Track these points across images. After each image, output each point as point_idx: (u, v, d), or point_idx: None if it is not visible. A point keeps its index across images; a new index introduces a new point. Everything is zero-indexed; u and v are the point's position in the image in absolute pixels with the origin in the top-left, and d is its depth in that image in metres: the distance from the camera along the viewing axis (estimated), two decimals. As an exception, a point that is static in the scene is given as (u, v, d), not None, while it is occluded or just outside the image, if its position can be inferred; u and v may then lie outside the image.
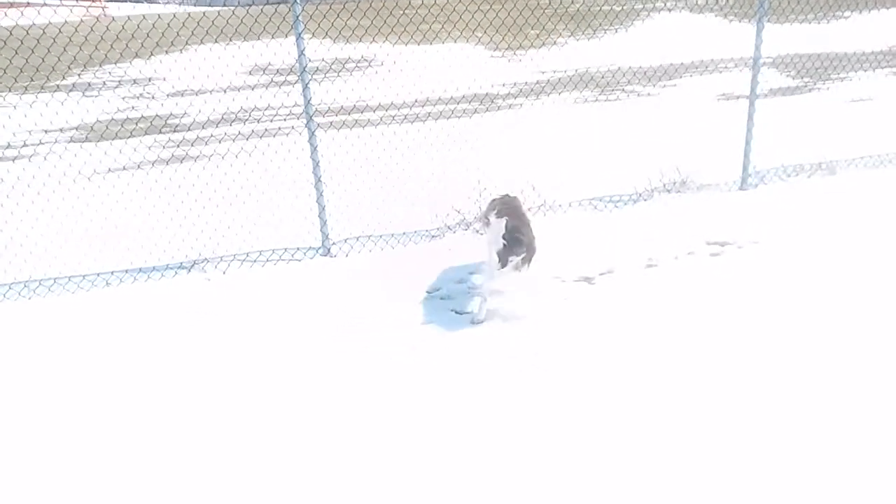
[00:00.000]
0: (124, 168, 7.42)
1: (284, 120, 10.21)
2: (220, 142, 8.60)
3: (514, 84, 12.68)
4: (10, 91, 11.28)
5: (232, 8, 6.72)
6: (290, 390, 3.25)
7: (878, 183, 5.78)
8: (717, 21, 16.70)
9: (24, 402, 3.29)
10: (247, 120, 10.10)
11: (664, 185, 5.85)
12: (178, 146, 8.29)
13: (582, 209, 5.57)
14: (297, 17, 4.51)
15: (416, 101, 10.86)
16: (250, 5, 6.76)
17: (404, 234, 5.19)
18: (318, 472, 2.72)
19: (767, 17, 5.67)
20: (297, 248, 4.96)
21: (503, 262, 3.75)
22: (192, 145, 8.42)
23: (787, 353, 3.35)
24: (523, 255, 3.79)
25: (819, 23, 15.88)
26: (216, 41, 10.11)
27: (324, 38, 15.98)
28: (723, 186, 5.92)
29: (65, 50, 6.52)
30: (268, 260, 4.77)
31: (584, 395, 3.10)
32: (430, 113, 9.88)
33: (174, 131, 9.16)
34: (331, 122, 9.49)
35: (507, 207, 4.07)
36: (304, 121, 4.93)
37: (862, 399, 2.99)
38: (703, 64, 13.69)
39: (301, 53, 4.59)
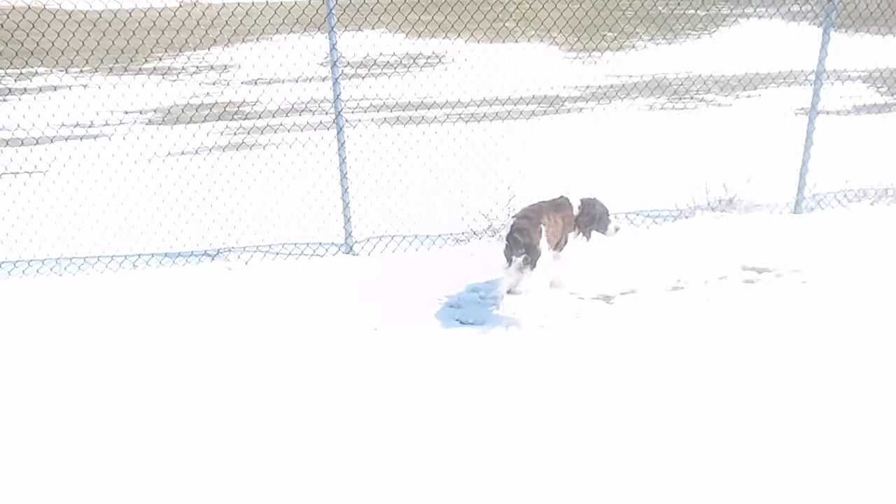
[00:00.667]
0: (196, 152, 7.77)
1: (352, 112, 10.41)
2: (288, 131, 8.87)
3: (585, 87, 12.44)
4: (96, 72, 11.97)
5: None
6: (283, 383, 3.33)
7: None
8: (811, 30, 15.76)
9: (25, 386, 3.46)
10: (315, 111, 10.35)
11: (709, 203, 5.60)
12: (247, 133, 8.61)
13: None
14: (331, 10, 4.56)
15: (480, 100, 10.83)
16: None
17: (428, 236, 5.20)
18: (301, 468, 2.77)
19: (864, 28, 5.35)
20: (320, 244, 5.05)
21: (507, 261, 3.80)
22: (261, 133, 8.72)
23: (795, 395, 3.15)
24: (524, 257, 3.75)
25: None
26: (292, 31, 10.38)
27: (396, 32, 16.21)
28: (774, 208, 5.63)
29: (148, 33, 6.79)
30: (290, 254, 4.89)
31: (568, 415, 3.03)
32: (493, 113, 9.83)
33: (244, 118, 9.50)
34: (384, 119, 9.61)
35: (530, 208, 4.04)
36: (361, 114, 5.03)
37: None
38: (791, 75, 12.99)
39: (333, 47, 4.66)
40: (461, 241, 5.14)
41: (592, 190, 6.04)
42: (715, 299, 4.13)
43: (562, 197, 4.34)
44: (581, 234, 4.29)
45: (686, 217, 5.45)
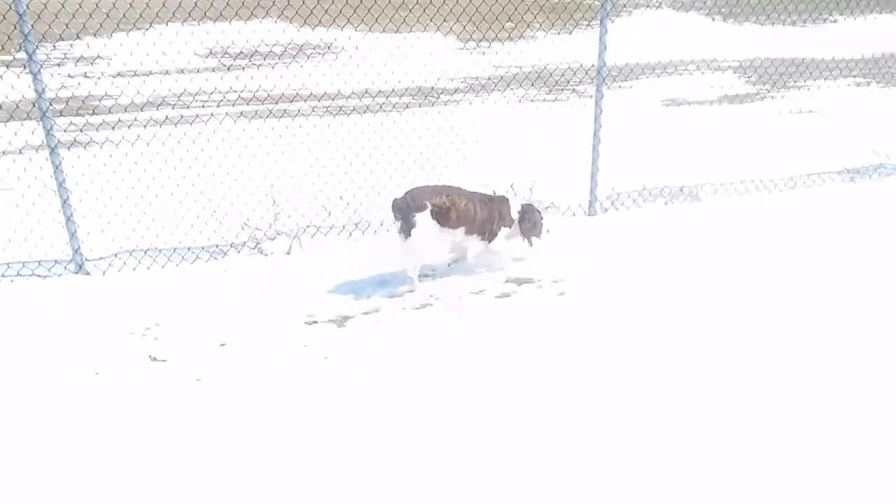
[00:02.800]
0: (19, 151, 7.33)
1: (217, 106, 10.10)
2: (128, 127, 8.48)
3: (465, 79, 12.41)
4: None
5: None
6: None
7: (736, 213, 5.32)
8: (699, 20, 16.16)
9: None
10: (176, 105, 9.99)
11: None
12: (84, 130, 8.19)
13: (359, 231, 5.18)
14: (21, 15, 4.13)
15: (357, 91, 10.65)
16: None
17: (176, 250, 4.76)
18: None
19: (753, 17, 5.36)
20: (39, 263, 4.56)
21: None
22: (97, 130, 8.33)
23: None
24: (399, 223, 4.19)
25: (804, 25, 15.25)
26: (172, 20, 9.94)
27: (291, 21, 15.83)
28: (568, 211, 5.55)
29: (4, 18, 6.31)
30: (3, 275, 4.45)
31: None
32: (363, 106, 9.67)
33: (92, 114, 9.07)
34: (241, 113, 9.34)
35: (427, 187, 4.35)
36: (228, 108, 4.71)
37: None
38: (671, 65, 13.26)
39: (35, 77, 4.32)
40: (215, 256, 4.78)
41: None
42: (466, 316, 3.93)
43: (498, 194, 4.69)
44: (523, 238, 4.58)
45: None
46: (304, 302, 4.10)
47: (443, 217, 4.24)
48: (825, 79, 10.95)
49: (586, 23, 16.23)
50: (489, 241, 4.51)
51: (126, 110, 9.18)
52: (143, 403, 3.09)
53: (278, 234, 4.89)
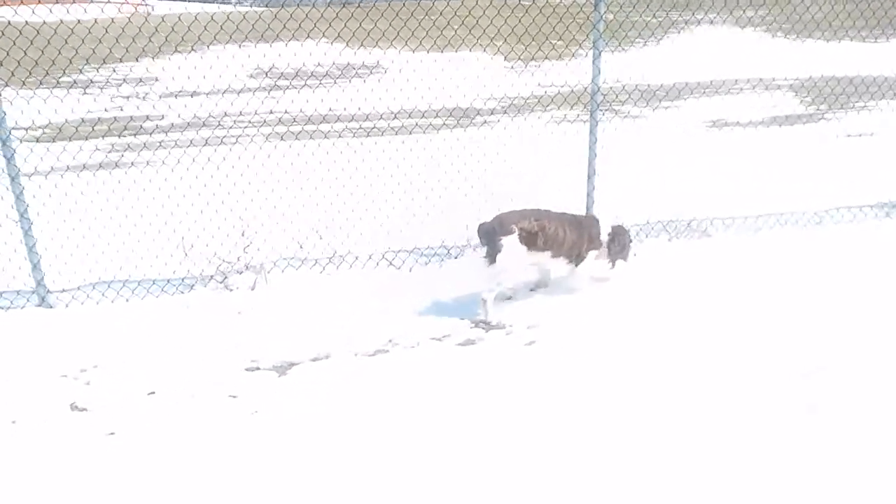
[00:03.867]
0: (57, 171, 7.61)
1: (250, 127, 10.27)
2: (177, 147, 8.70)
3: (507, 98, 12.22)
4: (6, 85, 11.92)
5: (260, 9, 6.73)
6: None
7: (744, 252, 4.97)
8: (759, 36, 15.41)
9: None
10: (216, 126, 10.22)
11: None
12: (126, 151, 8.46)
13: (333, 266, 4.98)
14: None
15: (393, 112, 10.64)
16: (279, 7, 6.61)
17: (140, 283, 4.67)
18: None
19: (818, 32, 5.06)
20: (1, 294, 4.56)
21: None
22: (146, 149, 8.57)
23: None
24: (486, 249, 4.18)
25: (873, 41, 14.30)
26: (229, 42, 10.16)
27: (335, 40, 16.07)
28: None
29: (81, 44, 6.39)
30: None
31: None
32: (397, 127, 9.61)
33: (135, 135, 9.38)
34: (276, 133, 9.43)
35: (515, 212, 4.35)
36: (262, 129, 4.79)
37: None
38: (724, 84, 12.67)
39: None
40: (181, 290, 4.70)
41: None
42: (423, 367, 3.68)
43: (590, 215, 4.73)
44: (609, 260, 4.49)
45: (455, 257, 5.12)
46: (250, 345, 3.95)
47: (531, 241, 4.21)
48: (890, 98, 10.20)
49: (642, 41, 15.76)
50: (576, 265, 4.45)
51: (168, 132, 9.46)
52: (46, 460, 2.96)
53: (246, 267, 4.79)
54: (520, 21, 7.11)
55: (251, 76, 13.51)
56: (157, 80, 13.11)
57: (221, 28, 5.94)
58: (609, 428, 2.97)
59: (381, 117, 10.44)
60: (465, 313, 4.30)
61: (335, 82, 12.88)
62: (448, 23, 7.50)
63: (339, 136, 8.85)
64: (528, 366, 3.62)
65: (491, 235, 4.19)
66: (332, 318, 4.25)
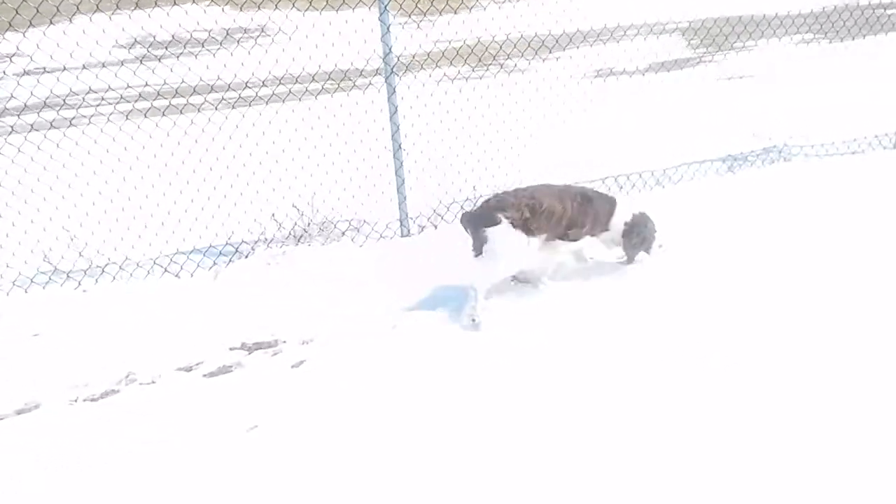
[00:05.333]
0: None
1: (108, 105, 9.53)
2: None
3: (399, 55, 11.75)
4: None
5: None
6: None
7: None
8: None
9: None
10: (60, 107, 9.45)
11: (293, 231, 4.78)
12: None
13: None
14: None
15: (276, 77, 10.05)
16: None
17: None
18: None
19: None
20: None
21: None
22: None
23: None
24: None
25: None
26: (99, 10, 9.30)
27: (219, 2, 15.19)
28: (387, 230, 4.94)
29: None
30: None
31: None
32: (276, 94, 9.06)
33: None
34: (135, 110, 8.77)
35: (516, 191, 3.91)
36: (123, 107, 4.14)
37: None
38: (616, 30, 12.51)
39: None
40: None
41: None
42: (157, 410, 3.12)
43: (607, 194, 4.16)
44: (624, 251, 4.03)
45: (246, 256, 4.57)
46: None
47: (526, 228, 3.73)
48: (775, 37, 10.22)
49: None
50: (574, 241, 3.96)
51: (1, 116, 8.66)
52: None
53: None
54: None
55: (124, 47, 12.59)
56: (11, 59, 12.06)
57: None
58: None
59: (264, 84, 9.85)
60: (234, 329, 3.71)
61: (216, 49, 12.13)
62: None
63: (216, 109, 8.25)
64: (290, 396, 3.16)
65: (475, 224, 3.75)
66: (60, 353, 3.58)
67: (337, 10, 8.10)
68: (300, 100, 9.03)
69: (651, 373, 3.07)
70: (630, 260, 4.04)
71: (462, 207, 5.12)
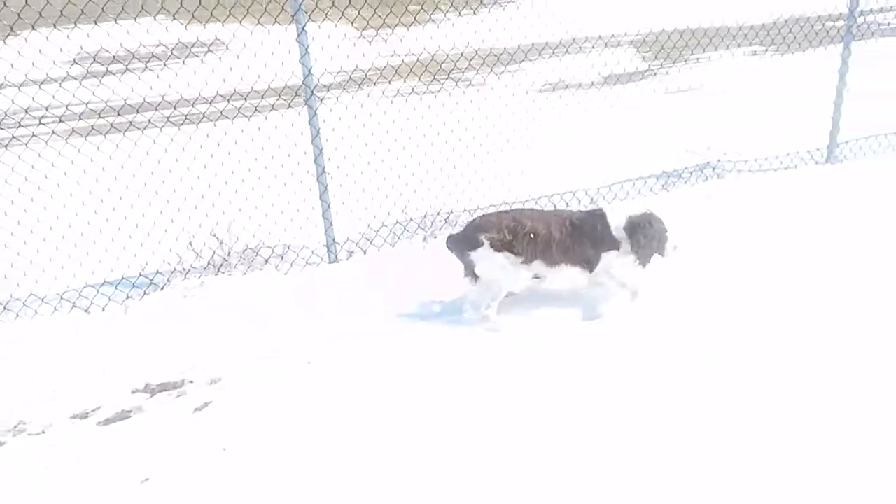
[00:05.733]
0: None
1: (57, 122, 9.28)
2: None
3: (343, 72, 11.64)
4: None
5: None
6: None
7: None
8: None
9: None
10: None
11: (212, 260, 4.56)
12: None
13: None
14: None
15: (221, 95, 9.86)
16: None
17: None
18: None
19: None
20: None
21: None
22: None
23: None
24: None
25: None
26: (44, 21, 9.02)
27: (175, 15, 14.92)
28: (313, 257, 4.78)
29: None
30: None
31: None
32: (223, 111, 8.86)
33: None
34: (73, 131, 8.53)
35: (495, 214, 3.93)
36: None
37: None
38: (571, 44, 12.53)
39: None
40: None
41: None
42: (46, 462, 2.91)
43: (592, 210, 3.95)
44: (636, 259, 3.80)
45: (161, 288, 4.33)
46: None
47: (509, 247, 3.71)
48: (725, 48, 10.29)
49: (493, 1, 15.43)
50: (590, 270, 3.83)
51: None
52: None
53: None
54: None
55: (73, 62, 12.32)
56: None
57: (27, 3, 4.97)
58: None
59: (211, 101, 9.66)
60: (140, 368, 3.50)
61: (164, 65, 11.91)
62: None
63: (160, 128, 8.04)
64: (188, 444, 2.97)
65: (459, 247, 3.77)
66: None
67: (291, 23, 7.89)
68: (249, 118, 8.86)
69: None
70: (644, 264, 3.79)
71: (391, 231, 5.03)
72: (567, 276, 3.89)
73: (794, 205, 4.81)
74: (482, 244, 3.68)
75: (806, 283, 3.83)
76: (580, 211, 4.04)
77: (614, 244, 3.76)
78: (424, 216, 5.14)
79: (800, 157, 5.91)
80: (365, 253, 4.80)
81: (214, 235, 4.66)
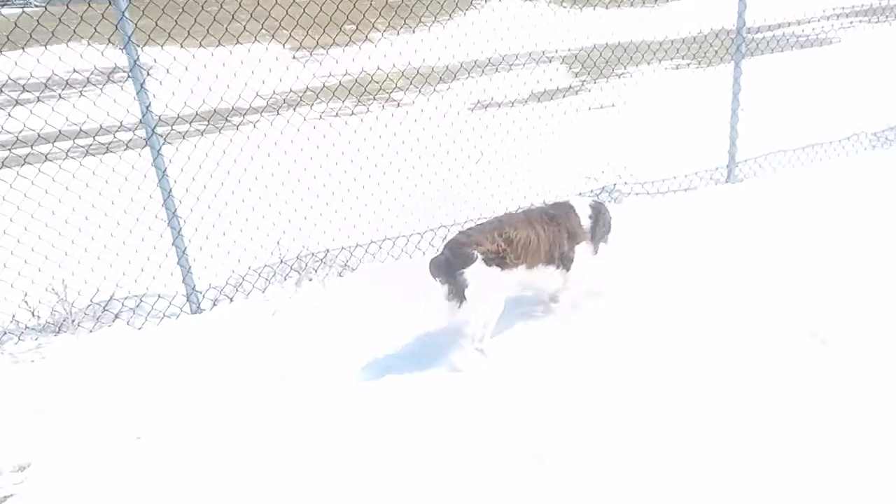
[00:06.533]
0: None
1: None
2: None
3: (274, 94, 11.47)
4: None
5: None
6: None
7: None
8: (547, 9, 15.47)
9: None
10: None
11: (52, 318, 4.13)
12: None
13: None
14: None
15: (139, 122, 9.56)
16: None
17: None
18: None
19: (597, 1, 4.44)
20: None
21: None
22: None
23: None
24: (446, 287, 3.39)
25: (656, 3, 14.71)
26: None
27: (100, 40, 14.56)
28: (171, 307, 4.43)
29: None
30: None
31: None
32: (138, 139, 8.58)
33: None
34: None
35: (475, 228, 3.57)
36: None
37: None
38: (502, 61, 12.55)
39: None
40: None
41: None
42: None
43: (562, 202, 3.81)
44: (593, 246, 3.76)
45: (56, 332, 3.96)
46: None
47: (502, 262, 3.40)
48: (648, 63, 10.37)
49: (433, 19, 15.41)
50: (567, 269, 3.63)
51: None
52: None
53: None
54: (304, 9, 6.40)
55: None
56: None
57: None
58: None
59: (127, 128, 9.35)
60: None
61: (80, 94, 11.57)
62: (232, 16, 6.68)
63: (63, 159, 7.72)
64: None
65: (448, 270, 3.33)
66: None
67: (229, 46, 7.65)
68: (169, 142, 8.59)
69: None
70: (596, 250, 3.79)
71: (259, 275, 4.63)
72: (543, 283, 3.70)
73: (692, 227, 4.76)
74: (475, 259, 3.32)
75: (694, 308, 3.76)
76: (548, 205, 3.90)
77: (584, 235, 3.72)
78: (297, 257, 4.78)
79: (699, 178, 5.88)
80: (231, 300, 4.43)
81: (52, 290, 4.19)
